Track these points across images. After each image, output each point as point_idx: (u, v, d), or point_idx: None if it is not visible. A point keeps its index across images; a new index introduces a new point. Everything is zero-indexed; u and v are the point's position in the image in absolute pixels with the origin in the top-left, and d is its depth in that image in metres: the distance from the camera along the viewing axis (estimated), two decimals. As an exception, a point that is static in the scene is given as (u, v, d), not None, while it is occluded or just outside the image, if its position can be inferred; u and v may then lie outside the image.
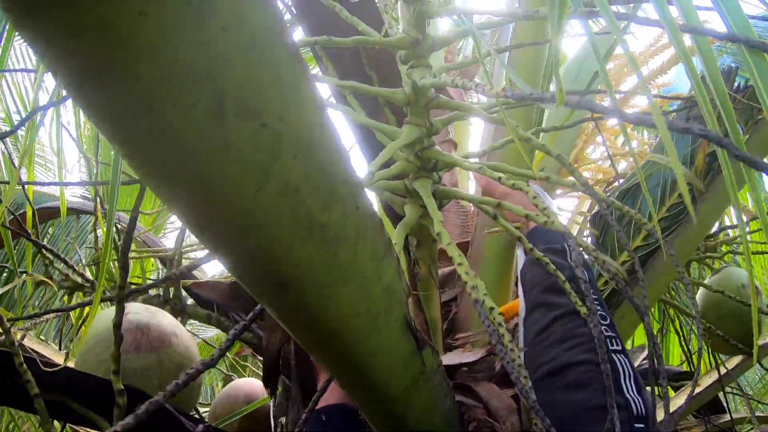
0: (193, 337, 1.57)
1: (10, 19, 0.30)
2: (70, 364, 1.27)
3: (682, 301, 1.87)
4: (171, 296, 1.49)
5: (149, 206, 2.50)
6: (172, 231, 2.92)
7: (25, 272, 1.53)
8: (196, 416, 1.58)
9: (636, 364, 1.25)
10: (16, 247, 1.82)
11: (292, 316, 0.53)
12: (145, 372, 1.20)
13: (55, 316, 1.47)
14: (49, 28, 0.29)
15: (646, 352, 1.81)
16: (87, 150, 1.67)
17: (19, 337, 1.17)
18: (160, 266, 2.55)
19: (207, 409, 1.86)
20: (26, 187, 1.38)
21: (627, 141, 1.59)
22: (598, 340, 0.65)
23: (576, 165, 1.46)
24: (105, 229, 1.54)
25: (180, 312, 1.49)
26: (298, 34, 1.14)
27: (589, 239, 1.33)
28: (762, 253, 2.05)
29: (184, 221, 0.43)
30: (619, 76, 1.60)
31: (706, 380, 1.80)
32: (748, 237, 1.82)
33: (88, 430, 1.43)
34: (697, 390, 1.76)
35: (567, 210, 1.86)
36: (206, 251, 1.50)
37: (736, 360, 1.82)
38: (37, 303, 2.15)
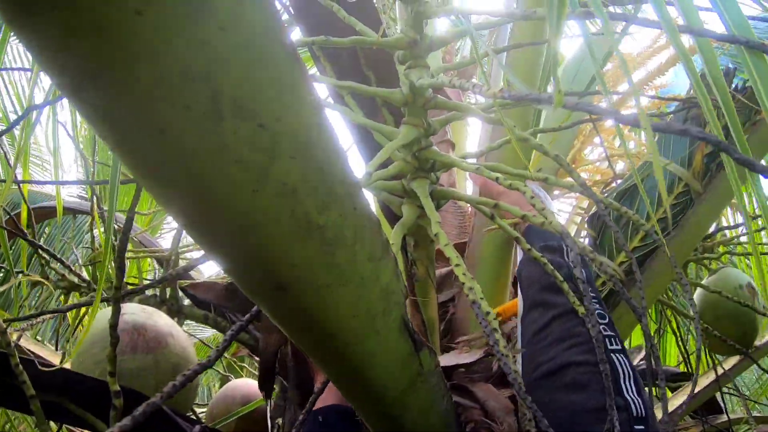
0: (190, 337, 1.57)
1: (4, 19, 0.30)
2: (67, 366, 1.27)
3: (679, 301, 1.87)
4: (167, 297, 1.49)
5: (146, 206, 2.50)
6: (168, 231, 2.91)
7: (22, 272, 1.53)
8: (193, 417, 1.58)
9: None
10: (12, 247, 1.81)
11: (290, 318, 0.53)
12: (142, 373, 1.20)
13: (51, 317, 1.47)
14: (46, 29, 0.29)
15: (643, 353, 1.81)
16: (84, 149, 1.66)
17: (15, 337, 1.17)
18: (156, 267, 2.55)
19: (204, 409, 1.86)
20: (22, 186, 1.38)
21: (623, 142, 1.59)
22: (596, 340, 0.65)
23: (573, 166, 1.46)
24: (104, 230, 1.53)
25: (177, 312, 1.49)
26: (296, 35, 1.13)
27: (587, 240, 1.33)
28: (762, 254, 2.05)
29: (181, 222, 0.42)
30: (618, 76, 1.60)
31: (704, 381, 1.80)
32: (745, 238, 1.83)
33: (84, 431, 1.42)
34: (692, 392, 1.76)
35: (564, 211, 1.86)
36: (203, 252, 1.50)
37: (733, 360, 1.82)
38: (33, 303, 2.15)
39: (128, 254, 1.67)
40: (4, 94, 2.49)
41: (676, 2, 0.55)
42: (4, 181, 1.24)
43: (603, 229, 1.27)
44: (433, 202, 0.81)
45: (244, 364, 2.39)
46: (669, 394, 1.91)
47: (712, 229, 1.69)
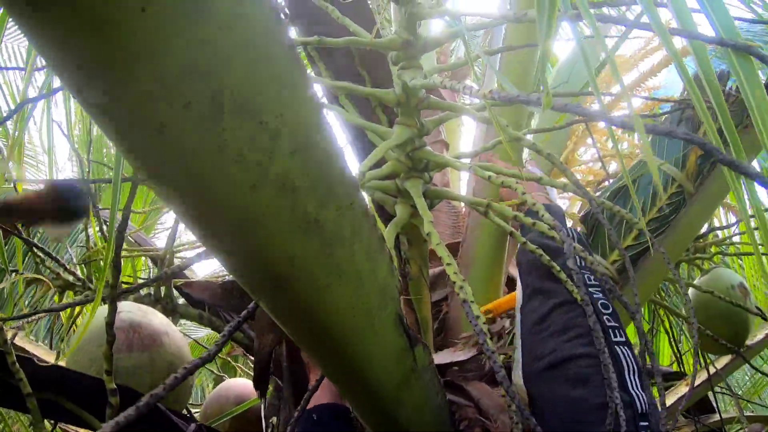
0: (185, 337, 1.57)
1: (12, 17, 0.30)
2: (61, 364, 1.27)
3: (671, 301, 1.88)
4: (162, 296, 1.49)
5: (140, 205, 2.49)
6: (162, 231, 2.91)
7: (16, 271, 1.52)
8: (188, 416, 1.57)
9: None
10: (7, 245, 1.81)
11: (288, 313, 0.54)
12: (137, 371, 1.20)
13: (45, 315, 1.47)
14: (51, 27, 0.30)
15: (636, 351, 1.82)
16: (78, 148, 1.66)
17: (10, 336, 1.16)
18: (151, 265, 2.55)
19: (198, 409, 1.85)
20: (17, 184, 1.38)
21: (615, 143, 1.60)
22: (595, 332, 0.64)
23: (566, 166, 1.47)
24: (103, 229, 1.53)
25: (171, 311, 1.49)
26: (292, 34, 1.14)
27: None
28: (751, 254, 2.07)
29: (182, 218, 0.43)
30: (612, 76, 1.60)
31: (696, 380, 1.81)
32: (737, 238, 1.84)
33: (79, 429, 1.42)
34: (687, 389, 1.77)
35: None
36: (197, 251, 1.50)
37: (725, 360, 1.83)
38: (27, 302, 2.14)
39: (123, 253, 1.67)
40: (-1, 93, 2.49)
41: (669, 5, 0.55)
42: (-1, 179, 1.24)
43: (596, 228, 1.28)
44: (426, 201, 0.81)
45: (238, 364, 2.39)
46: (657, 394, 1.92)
47: (704, 229, 1.70)
